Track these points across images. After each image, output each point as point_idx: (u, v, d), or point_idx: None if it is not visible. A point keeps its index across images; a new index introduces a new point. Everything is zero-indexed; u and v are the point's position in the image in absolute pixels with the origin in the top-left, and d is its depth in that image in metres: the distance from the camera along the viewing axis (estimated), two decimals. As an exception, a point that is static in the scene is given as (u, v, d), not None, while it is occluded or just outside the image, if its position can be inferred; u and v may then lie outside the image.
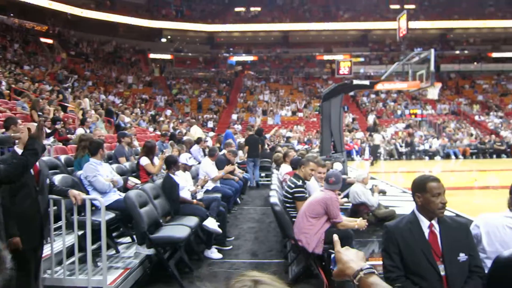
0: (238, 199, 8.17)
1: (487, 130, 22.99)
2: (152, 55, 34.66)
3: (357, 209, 6.19)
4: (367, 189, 6.30)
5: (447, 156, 19.22)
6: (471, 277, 2.25)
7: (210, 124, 23.95)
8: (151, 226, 4.11)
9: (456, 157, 19.10)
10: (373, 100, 28.42)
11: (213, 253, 4.86)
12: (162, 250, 4.06)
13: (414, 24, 32.43)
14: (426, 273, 2.21)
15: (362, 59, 35.11)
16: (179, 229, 4.21)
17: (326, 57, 35.39)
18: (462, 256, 2.24)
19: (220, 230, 4.87)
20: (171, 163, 5.09)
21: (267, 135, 14.80)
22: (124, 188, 5.09)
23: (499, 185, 10.49)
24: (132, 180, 5.42)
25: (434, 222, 2.33)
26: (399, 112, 26.31)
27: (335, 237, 1.37)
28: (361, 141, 20.33)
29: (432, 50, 10.00)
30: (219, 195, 5.82)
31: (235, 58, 37.09)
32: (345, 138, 17.48)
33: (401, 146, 19.92)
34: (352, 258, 1.22)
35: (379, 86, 10.92)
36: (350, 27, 36.45)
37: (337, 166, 7.28)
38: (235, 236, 5.78)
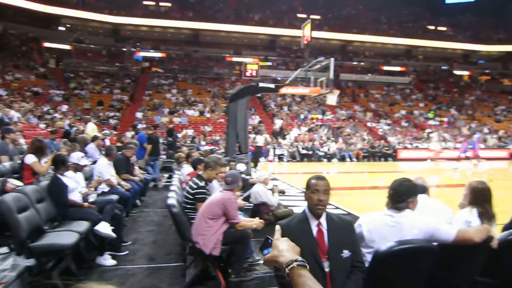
0: (138, 201, 7.77)
1: (377, 136, 25.32)
2: (47, 44, 31.53)
3: (258, 209, 6.30)
4: (268, 190, 6.47)
5: (342, 159, 20.70)
6: (353, 272, 2.38)
7: (112, 122, 22.62)
8: (32, 233, 3.69)
9: (351, 159, 20.68)
10: (278, 103, 29.50)
11: (106, 260, 4.53)
12: (45, 259, 3.66)
13: (318, 34, 34.56)
14: (312, 270, 2.28)
15: (270, 63, 36.30)
16: (65, 236, 3.84)
17: (236, 59, 35.87)
18: (346, 253, 2.37)
19: (114, 235, 4.55)
20: (59, 163, 4.63)
21: (179, 135, 14.49)
22: (2, 191, 4.50)
23: (385, 186, 11.57)
24: (12, 182, 4.81)
25: (322, 220, 2.43)
26: (302, 116, 27.68)
27: (277, 227, 1.47)
28: (266, 143, 20.94)
29: (332, 59, 10.68)
30: (115, 197, 5.46)
31: (142, 54, 35.66)
32: (261, 137, 17.78)
33: (303, 149, 20.96)
34: (288, 248, 1.30)
35: (283, 90, 11.33)
36: (259, 31, 37.49)
37: (240, 167, 7.36)
38: (132, 241, 5.47)
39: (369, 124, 27.83)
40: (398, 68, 39.73)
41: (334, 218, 2.49)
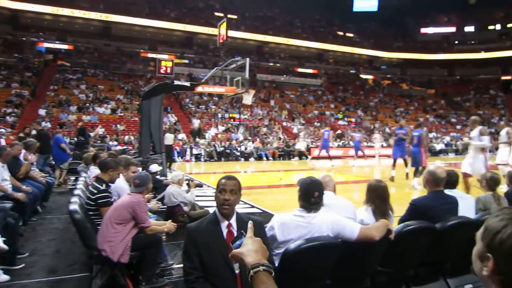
0: (38, 207, 7.07)
1: (292, 135, 26.31)
2: None
3: (172, 211, 6.11)
4: (183, 189, 6.31)
5: (259, 158, 21.12)
6: (263, 272, 2.38)
7: (10, 120, 20.40)
8: None
9: (267, 158, 21.17)
10: (196, 102, 29.16)
11: (-3, 275, 4.02)
12: None
13: (235, 34, 34.87)
14: (222, 273, 2.25)
15: (187, 61, 35.71)
16: None
17: (151, 55, 34.66)
18: (256, 254, 2.36)
19: (5, 247, 4.06)
20: None
21: (91, 134, 13.51)
22: None
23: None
24: None
25: (232, 221, 2.39)
26: (219, 115, 27.69)
27: (250, 223, 1.40)
28: (182, 142, 20.54)
29: (247, 59, 10.80)
30: (8, 204, 4.88)
31: (45, 45, 32.71)
32: (170, 135, 17.24)
33: (220, 148, 20.96)
34: (257, 249, 1.25)
35: (199, 89, 11.19)
36: (176, 27, 36.55)
37: (154, 168, 7.07)
38: (29, 252, 4.93)
39: (284, 123, 28.79)
40: (310, 71, 41.77)
41: (244, 218, 2.47)
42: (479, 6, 42.66)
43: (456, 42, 46.22)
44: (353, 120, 32.91)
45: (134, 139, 19.51)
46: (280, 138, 24.32)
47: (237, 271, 2.28)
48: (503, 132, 9.81)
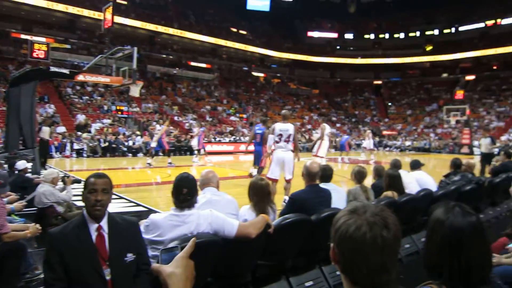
0: None
1: (183, 130, 25.89)
2: None
3: (44, 213, 5.46)
4: (57, 188, 5.68)
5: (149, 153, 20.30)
6: (138, 275, 2.24)
7: None
8: None
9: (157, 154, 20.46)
10: (78, 92, 26.82)
11: None
12: None
13: (124, 21, 33.00)
14: (91, 280, 2.05)
15: (68, 46, 32.55)
16: None
17: (25, 37, 30.66)
18: (130, 256, 2.21)
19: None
20: None
21: None
22: None
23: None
24: None
25: (103, 223, 2.20)
26: (105, 107, 25.92)
27: (192, 241, 1.11)
28: (62, 136, 18.72)
29: (135, 49, 10.24)
30: None
31: None
32: (46, 128, 15.52)
33: (105, 143, 19.62)
34: (188, 278, 1.03)
35: (80, 77, 10.25)
36: (56, 7, 32.48)
37: (21, 165, 6.26)
38: None
39: (176, 118, 28.19)
40: (204, 65, 41.60)
41: (117, 219, 2.28)
42: (358, 16, 47.32)
43: (338, 47, 50.49)
44: (244, 116, 33.73)
45: (0, 132, 17.12)
46: (171, 133, 23.73)
47: (108, 277, 2.10)
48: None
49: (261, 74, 47.55)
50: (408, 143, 32.40)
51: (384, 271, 0.96)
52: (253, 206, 3.20)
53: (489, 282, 1.29)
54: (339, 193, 4.08)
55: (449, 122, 32.49)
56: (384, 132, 37.67)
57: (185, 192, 2.57)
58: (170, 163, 14.79)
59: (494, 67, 42.34)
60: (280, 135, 7.21)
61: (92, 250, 2.11)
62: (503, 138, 29.18)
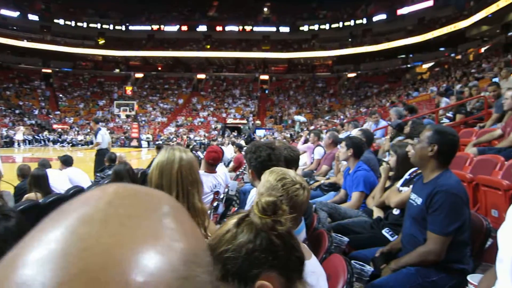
0: None
1: None
2: None
3: None
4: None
5: None
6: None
7: None
8: None
9: None
10: None
11: None
12: None
13: None
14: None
15: None
16: None
17: None
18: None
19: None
20: None
21: None
22: None
23: None
24: None
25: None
26: None
27: None
28: None
29: None
30: None
31: None
32: None
33: None
34: None
35: None
36: None
37: None
38: None
39: None
40: None
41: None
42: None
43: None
44: None
45: None
46: None
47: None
48: None
49: None
50: (80, 137, 31.37)
51: None
52: None
53: None
54: None
55: (120, 117, 34.09)
56: (55, 126, 35.19)
57: None
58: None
59: (159, 68, 47.58)
60: None
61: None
62: (165, 131, 33.47)
